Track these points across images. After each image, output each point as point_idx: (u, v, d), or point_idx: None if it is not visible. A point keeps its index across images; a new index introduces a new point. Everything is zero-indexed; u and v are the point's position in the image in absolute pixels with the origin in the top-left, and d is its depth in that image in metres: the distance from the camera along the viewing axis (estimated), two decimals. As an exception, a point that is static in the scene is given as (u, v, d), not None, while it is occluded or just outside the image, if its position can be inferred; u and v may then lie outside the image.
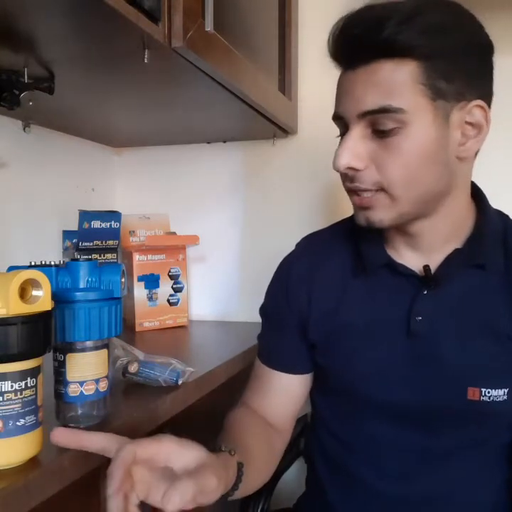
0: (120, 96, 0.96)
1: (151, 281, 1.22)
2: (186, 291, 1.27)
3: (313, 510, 0.81)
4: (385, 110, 0.58)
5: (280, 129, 1.20)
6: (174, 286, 1.25)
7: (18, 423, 0.47)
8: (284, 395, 0.77)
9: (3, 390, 0.46)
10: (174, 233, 1.34)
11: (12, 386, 0.46)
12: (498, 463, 0.72)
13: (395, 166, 0.60)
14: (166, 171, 1.41)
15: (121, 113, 1.09)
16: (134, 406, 0.66)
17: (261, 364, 0.79)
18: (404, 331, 0.68)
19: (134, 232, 1.30)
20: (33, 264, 0.58)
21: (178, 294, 1.25)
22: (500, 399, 0.64)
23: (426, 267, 0.67)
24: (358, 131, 0.61)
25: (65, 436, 0.49)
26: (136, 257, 1.20)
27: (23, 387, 0.47)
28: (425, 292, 0.67)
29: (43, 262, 0.58)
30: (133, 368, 0.72)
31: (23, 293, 0.46)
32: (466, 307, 0.66)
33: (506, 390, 0.64)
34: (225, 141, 1.35)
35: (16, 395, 0.46)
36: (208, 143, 1.37)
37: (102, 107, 1.04)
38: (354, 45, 0.59)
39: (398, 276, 0.69)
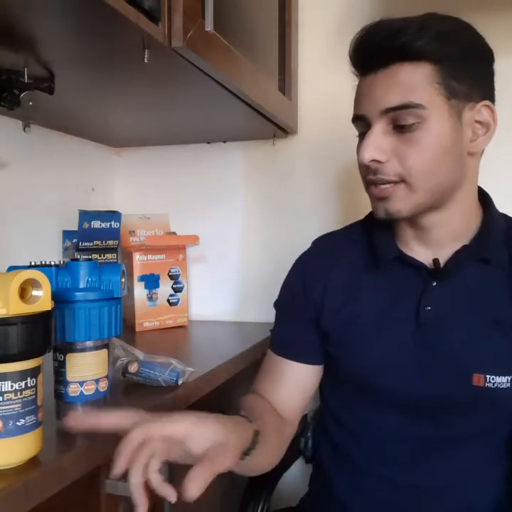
0: (120, 96, 0.96)
1: (151, 281, 1.22)
2: (186, 291, 1.27)
3: (319, 507, 0.82)
4: (406, 106, 0.64)
5: (280, 129, 1.20)
6: (174, 286, 1.25)
7: (18, 423, 0.47)
8: (294, 384, 0.79)
9: (3, 390, 0.46)
10: (174, 233, 1.35)
11: (12, 386, 0.46)
12: (500, 456, 0.74)
13: (415, 157, 0.65)
14: (166, 171, 1.41)
15: (121, 113, 1.09)
16: (134, 406, 0.65)
17: (273, 355, 0.81)
18: (413, 320, 0.71)
19: (134, 232, 1.30)
20: (33, 264, 0.58)
21: (178, 294, 1.25)
22: (504, 386, 0.68)
23: (435, 260, 0.71)
24: (380, 128, 0.67)
25: (79, 420, 0.51)
26: (136, 257, 1.20)
27: (23, 387, 0.47)
28: (434, 284, 0.72)
29: (43, 262, 0.58)
30: (133, 368, 0.72)
31: (23, 293, 0.46)
32: (473, 298, 0.71)
33: (509, 378, 0.68)
34: (225, 141, 1.35)
35: (15, 395, 0.46)
36: (208, 143, 1.37)
37: (101, 107, 1.04)
38: (376, 51, 0.66)
39: (409, 268, 0.73)
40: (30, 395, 0.47)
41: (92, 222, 1.11)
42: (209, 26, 0.76)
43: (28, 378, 0.47)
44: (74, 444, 0.53)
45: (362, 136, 0.70)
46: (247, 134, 1.29)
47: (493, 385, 0.68)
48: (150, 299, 1.22)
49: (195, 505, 0.85)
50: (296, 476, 1.03)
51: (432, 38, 0.64)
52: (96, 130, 1.25)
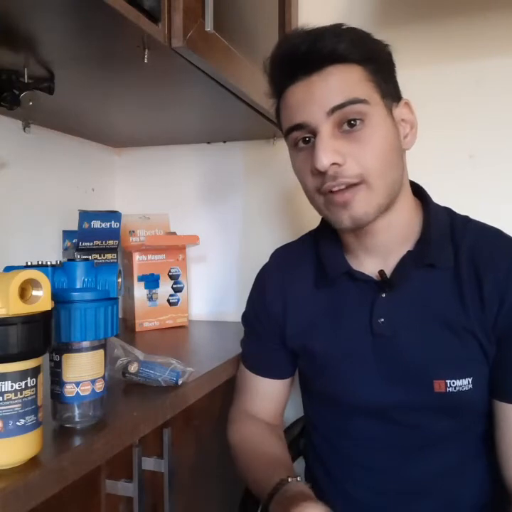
0: (120, 96, 0.96)
1: (151, 281, 1.22)
2: (186, 291, 1.27)
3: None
4: (351, 102, 0.63)
5: (280, 129, 1.20)
6: (174, 286, 1.25)
7: (18, 423, 0.47)
8: (270, 398, 0.82)
9: (3, 390, 0.46)
10: (174, 233, 1.34)
11: (12, 386, 0.46)
12: (478, 451, 0.74)
13: (370, 155, 0.64)
14: (166, 171, 1.41)
15: (121, 113, 1.09)
16: (134, 406, 0.66)
17: (245, 369, 0.83)
18: (369, 333, 0.71)
19: (134, 232, 1.30)
20: (29, 263, 0.58)
21: (178, 294, 1.25)
22: (466, 388, 0.67)
23: (381, 272, 0.71)
24: (328, 131, 0.64)
25: None
26: (136, 257, 1.20)
27: (23, 387, 0.47)
28: (383, 295, 0.71)
29: (40, 262, 0.58)
30: (133, 368, 0.72)
31: (23, 293, 0.46)
32: (423, 305, 0.70)
33: (470, 379, 0.67)
34: (225, 141, 1.35)
35: (16, 395, 0.46)
36: (208, 143, 1.37)
37: (101, 107, 1.04)
38: (306, 56, 0.64)
39: (358, 282, 0.73)
40: (30, 395, 0.47)
41: (92, 222, 1.11)
42: (209, 26, 0.76)
43: (28, 378, 0.47)
44: (73, 444, 0.53)
45: (300, 147, 0.68)
46: (247, 134, 1.29)
47: (455, 388, 0.67)
48: (150, 299, 1.22)
49: (196, 505, 0.85)
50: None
51: (349, 43, 0.65)
52: (96, 130, 1.25)
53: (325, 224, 0.78)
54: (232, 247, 1.35)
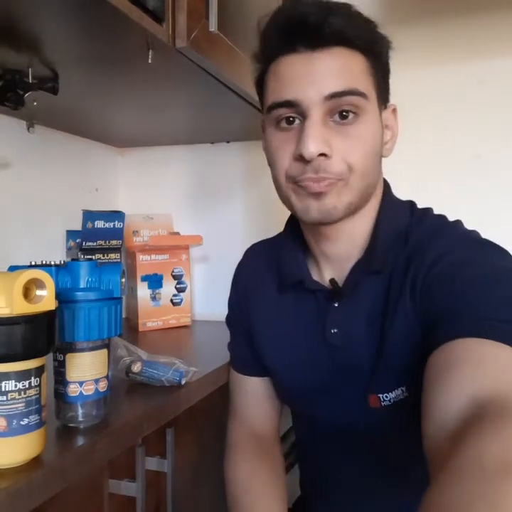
0: (124, 96, 0.97)
1: (155, 281, 1.22)
2: (189, 291, 1.27)
3: (313, 508, 0.82)
4: (352, 92, 0.57)
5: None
6: (177, 286, 1.25)
7: (21, 422, 0.47)
8: (259, 398, 0.80)
9: (6, 389, 0.46)
10: (177, 233, 1.35)
11: (16, 385, 0.46)
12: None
13: (357, 154, 0.59)
14: (169, 171, 1.41)
15: (125, 113, 1.09)
16: (137, 405, 0.66)
17: (234, 372, 0.82)
18: (323, 344, 0.68)
19: (137, 232, 1.30)
20: (33, 263, 0.58)
21: (181, 294, 1.26)
22: (401, 397, 0.62)
23: (332, 281, 0.67)
24: (320, 117, 0.58)
25: None
26: (140, 257, 1.20)
27: (27, 386, 0.47)
28: (336, 305, 0.67)
29: (44, 262, 0.58)
30: (136, 368, 0.72)
31: (27, 293, 0.46)
32: (370, 313, 0.65)
33: (403, 388, 0.62)
34: (228, 142, 1.35)
35: (19, 395, 0.46)
36: (212, 143, 1.37)
37: (105, 107, 1.04)
38: (313, 28, 0.57)
39: (312, 292, 0.69)
40: (33, 395, 0.47)
41: (96, 222, 1.12)
42: (213, 26, 0.76)
43: (32, 378, 0.47)
44: (76, 444, 0.53)
45: (282, 127, 0.60)
46: (251, 134, 1.29)
47: (390, 401, 0.62)
48: (153, 298, 1.22)
49: (199, 505, 0.85)
50: (294, 479, 1.03)
51: (360, 28, 0.59)
52: (100, 130, 1.25)
53: (290, 227, 0.74)
54: (236, 247, 1.35)
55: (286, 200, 0.64)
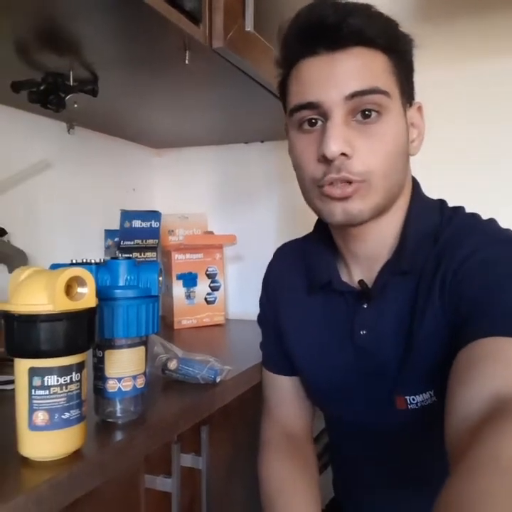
0: (161, 97, 0.98)
1: (189, 280, 1.23)
2: (223, 290, 1.28)
3: (344, 509, 0.82)
4: (373, 91, 0.57)
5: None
6: (211, 284, 1.26)
7: (63, 416, 0.48)
8: (291, 398, 0.80)
9: (49, 383, 0.47)
10: (212, 232, 1.36)
11: (58, 380, 0.47)
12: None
13: (379, 154, 0.58)
14: (204, 171, 1.43)
15: (162, 114, 1.11)
16: (173, 402, 0.67)
17: (266, 371, 0.82)
18: (351, 346, 0.68)
19: (173, 231, 1.32)
20: (74, 262, 0.59)
21: (215, 292, 1.26)
22: (429, 402, 0.61)
23: (361, 282, 0.67)
24: (342, 117, 0.58)
25: None
26: (175, 256, 1.22)
27: (68, 381, 0.48)
28: (365, 306, 0.67)
29: (84, 260, 0.60)
30: (172, 365, 0.73)
31: (69, 290, 0.48)
32: (399, 314, 0.64)
33: (431, 392, 0.61)
34: (262, 141, 1.35)
35: (61, 389, 0.48)
36: (246, 143, 1.37)
37: (143, 109, 1.06)
38: (333, 30, 0.57)
39: (341, 293, 0.69)
40: (75, 389, 0.49)
41: (133, 222, 1.14)
42: (249, 26, 0.76)
43: (73, 373, 0.48)
44: (114, 439, 0.54)
45: (304, 129, 0.61)
46: (285, 134, 1.29)
47: (417, 405, 0.62)
48: (188, 297, 1.23)
49: (233, 503, 0.85)
50: (326, 480, 1.02)
51: (380, 27, 0.59)
52: (137, 131, 1.27)
53: (319, 227, 0.74)
54: (269, 246, 1.34)
55: (311, 203, 0.65)
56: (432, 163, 0.83)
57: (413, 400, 0.62)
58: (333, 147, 0.57)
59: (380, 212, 0.62)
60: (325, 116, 0.59)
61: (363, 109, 0.58)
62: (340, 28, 0.57)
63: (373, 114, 0.58)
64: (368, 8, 0.60)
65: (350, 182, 0.58)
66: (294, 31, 0.61)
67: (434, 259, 0.61)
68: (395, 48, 0.60)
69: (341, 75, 0.57)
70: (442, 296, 0.58)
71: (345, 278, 0.69)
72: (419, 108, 0.65)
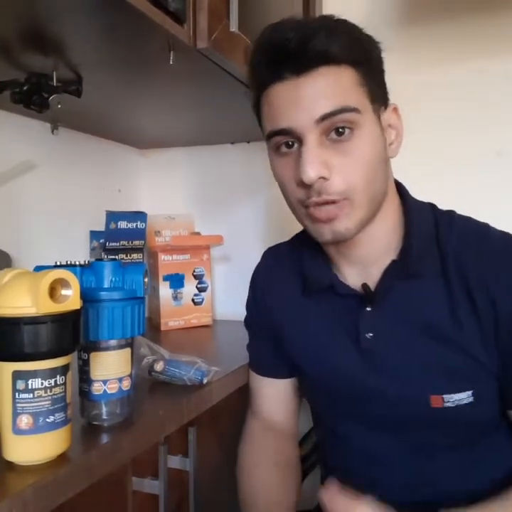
0: (146, 98, 0.97)
1: (176, 281, 1.23)
2: (210, 291, 1.27)
3: None
4: (342, 110, 0.58)
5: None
6: (198, 285, 1.26)
7: (47, 420, 0.47)
8: (278, 399, 0.80)
9: (33, 387, 0.47)
10: (198, 233, 1.35)
11: (42, 383, 0.47)
12: (495, 455, 0.68)
13: (357, 171, 0.60)
14: (190, 172, 1.42)
15: (147, 115, 1.10)
16: (160, 404, 0.66)
17: (252, 373, 0.82)
18: (356, 348, 0.68)
19: (159, 232, 1.31)
20: (58, 263, 0.59)
21: (202, 293, 1.26)
22: (465, 401, 0.63)
23: (364, 285, 0.67)
24: (315, 140, 0.59)
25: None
26: (162, 257, 1.21)
27: (53, 384, 0.48)
28: (369, 309, 0.67)
29: (68, 262, 0.59)
30: (159, 367, 0.73)
31: (53, 292, 0.47)
32: (412, 317, 0.65)
33: (470, 392, 0.63)
34: (248, 142, 1.35)
35: (45, 392, 0.47)
36: (232, 143, 1.37)
37: (128, 109, 1.05)
38: (295, 54, 0.58)
39: (342, 296, 0.69)
40: (59, 392, 0.48)
41: (119, 223, 1.13)
42: (234, 27, 0.76)
43: (58, 376, 0.48)
44: (100, 442, 0.54)
45: (282, 152, 0.62)
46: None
47: (453, 403, 0.63)
48: (175, 298, 1.23)
49: (220, 504, 0.85)
50: (314, 481, 1.02)
51: (344, 43, 0.59)
52: (122, 132, 1.26)
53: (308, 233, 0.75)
54: (256, 246, 1.35)
55: (300, 221, 0.67)
56: (410, 167, 0.84)
57: (451, 398, 0.63)
58: (311, 173, 0.58)
59: (368, 222, 0.64)
60: (299, 140, 0.60)
61: (335, 127, 0.59)
62: (303, 51, 0.57)
63: (347, 130, 0.59)
64: (329, 22, 0.61)
65: (333, 202, 0.60)
66: (259, 56, 0.62)
67: (457, 271, 0.63)
68: (362, 59, 0.60)
69: (309, 98, 0.58)
70: (481, 319, 0.62)
71: (342, 280, 0.70)
72: (395, 109, 0.66)
